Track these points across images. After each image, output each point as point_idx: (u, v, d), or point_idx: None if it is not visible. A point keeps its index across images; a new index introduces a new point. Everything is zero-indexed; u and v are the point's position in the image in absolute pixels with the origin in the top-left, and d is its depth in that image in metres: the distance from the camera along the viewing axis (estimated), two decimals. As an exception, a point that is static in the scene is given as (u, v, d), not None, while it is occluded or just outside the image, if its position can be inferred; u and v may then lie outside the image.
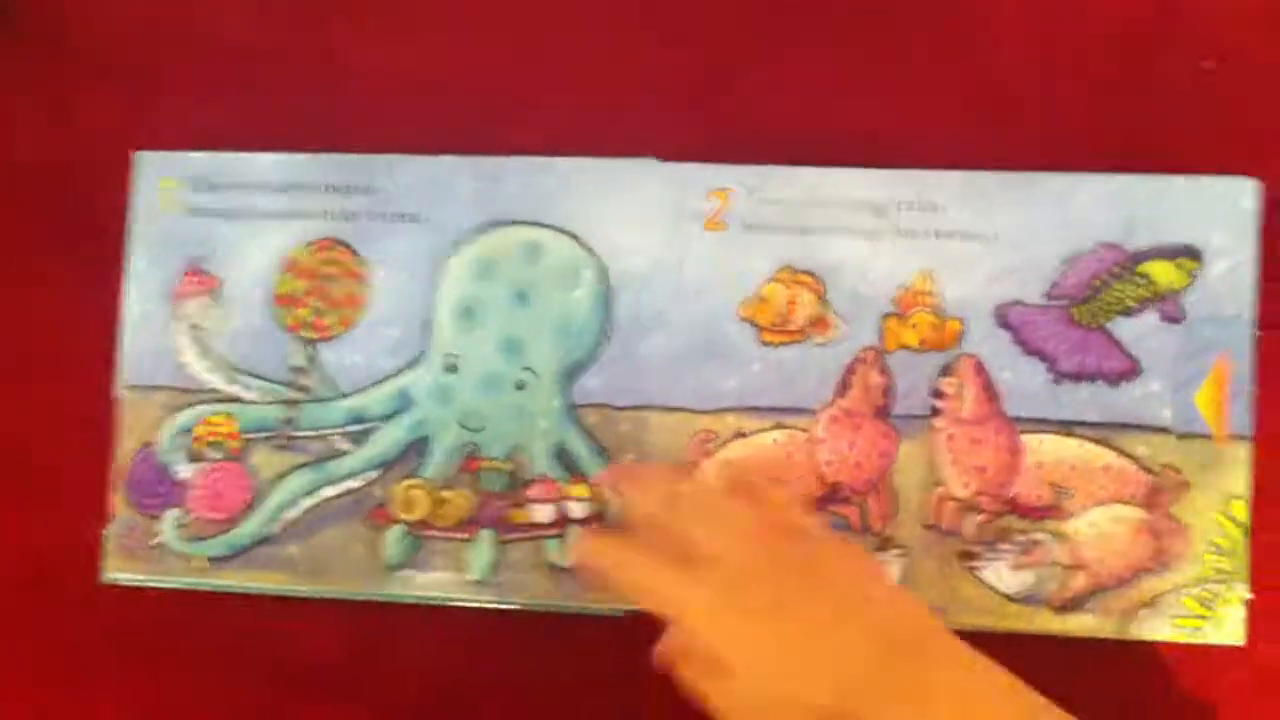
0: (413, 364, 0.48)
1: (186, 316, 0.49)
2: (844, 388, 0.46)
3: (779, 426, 0.46)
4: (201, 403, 0.49)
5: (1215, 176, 0.46)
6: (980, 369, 0.46)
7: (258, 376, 0.49)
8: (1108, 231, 0.46)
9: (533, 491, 0.47)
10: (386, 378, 0.48)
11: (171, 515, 0.49)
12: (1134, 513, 0.45)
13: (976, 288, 0.46)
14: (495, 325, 0.48)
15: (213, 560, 0.48)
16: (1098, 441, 0.45)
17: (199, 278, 0.50)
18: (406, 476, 0.48)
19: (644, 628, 0.45)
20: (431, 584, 0.47)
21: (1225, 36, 0.48)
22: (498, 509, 0.47)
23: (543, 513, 0.47)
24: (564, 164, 0.48)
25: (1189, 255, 0.45)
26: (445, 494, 0.47)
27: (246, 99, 0.52)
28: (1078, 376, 0.45)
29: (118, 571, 0.49)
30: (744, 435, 0.46)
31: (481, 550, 0.47)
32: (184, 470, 0.49)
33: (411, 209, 0.49)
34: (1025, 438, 0.46)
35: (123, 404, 0.50)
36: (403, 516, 0.47)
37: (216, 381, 0.49)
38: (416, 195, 0.49)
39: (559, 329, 0.47)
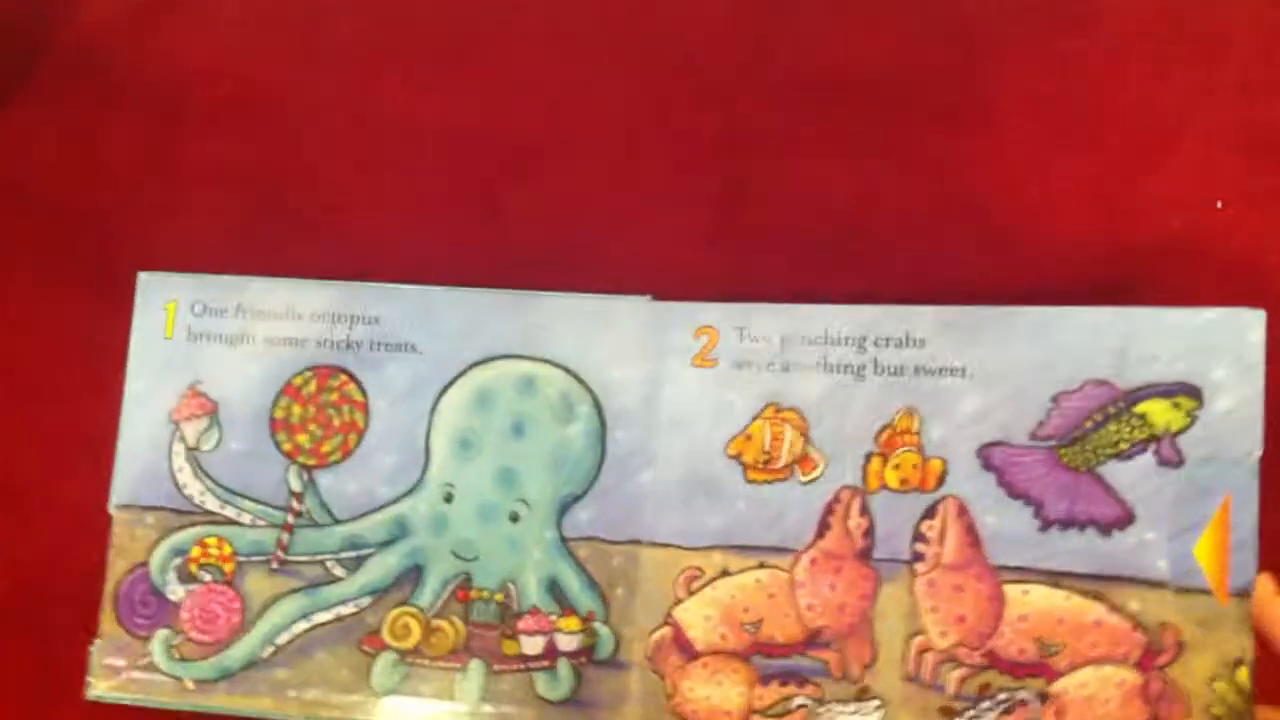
0: (409, 492, 0.49)
1: (184, 438, 0.50)
2: (824, 528, 0.46)
3: (763, 566, 0.46)
4: (196, 525, 0.49)
5: (1216, 308, 0.43)
6: (963, 511, 0.44)
7: (253, 500, 0.49)
8: (1097, 368, 0.43)
9: (523, 623, 0.48)
10: (383, 505, 0.49)
11: (162, 635, 0.49)
12: (1127, 674, 0.42)
13: (959, 427, 0.45)
14: (491, 456, 0.49)
15: (200, 683, 0.49)
16: (1087, 594, 0.43)
17: (197, 400, 0.50)
18: (399, 604, 0.48)
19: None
20: (420, 712, 0.47)
21: (1224, 170, 0.49)
22: (488, 640, 0.48)
23: (533, 645, 0.47)
24: (553, 299, 0.49)
25: (1188, 394, 0.42)
26: (437, 623, 0.48)
27: (245, 224, 0.54)
28: (1066, 523, 0.43)
29: (103, 689, 0.49)
30: (729, 574, 0.46)
31: (471, 680, 0.47)
32: (176, 591, 0.49)
33: (409, 338, 0.50)
34: (1009, 587, 0.44)
35: (116, 523, 0.50)
36: (395, 644, 0.48)
37: (211, 504, 0.50)
38: (411, 325, 0.50)
39: (554, 462, 0.48)
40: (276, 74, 0.56)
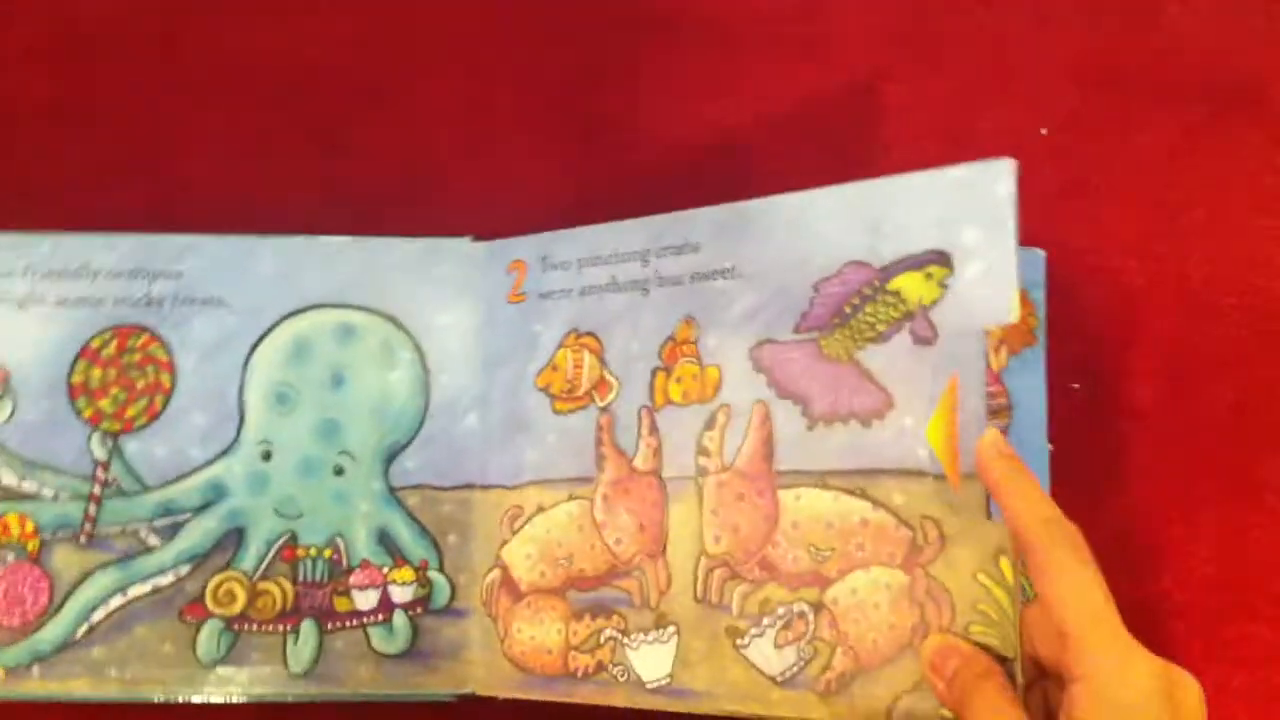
0: (225, 453, 0.46)
1: (-28, 411, 0.46)
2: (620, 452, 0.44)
3: (572, 498, 0.45)
4: (-8, 502, 0.46)
5: (963, 165, 0.38)
6: (766, 419, 0.41)
7: (55, 471, 0.46)
8: (853, 249, 0.40)
9: (355, 578, 0.46)
10: (197, 468, 0.46)
11: (-37, 624, 0.46)
12: (894, 576, 0.37)
13: (731, 330, 0.42)
14: (310, 409, 0.47)
15: (10, 670, 0.45)
16: (853, 492, 0.39)
17: (-15, 369, 0.47)
18: (221, 569, 0.46)
19: (473, 712, 0.46)
20: (252, 679, 0.45)
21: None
22: (319, 598, 0.46)
23: (366, 599, 0.46)
24: (369, 245, 0.48)
25: (939, 262, 0.38)
26: (263, 585, 0.46)
27: (36, 172, 0.50)
28: (831, 418, 0.40)
29: (-97, 687, 0.46)
30: (544, 509, 0.45)
31: (304, 642, 0.46)
32: (-25, 575, 0.46)
33: (215, 292, 0.47)
34: (783, 493, 0.40)
35: (-98, 508, 0.46)
36: (218, 611, 0.46)
37: (8, 479, 0.46)
38: (218, 277, 0.47)
39: (377, 411, 0.47)
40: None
